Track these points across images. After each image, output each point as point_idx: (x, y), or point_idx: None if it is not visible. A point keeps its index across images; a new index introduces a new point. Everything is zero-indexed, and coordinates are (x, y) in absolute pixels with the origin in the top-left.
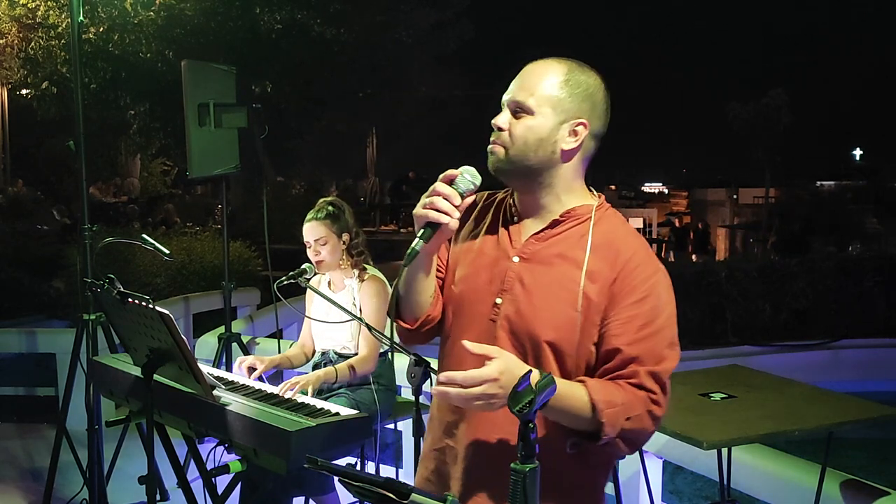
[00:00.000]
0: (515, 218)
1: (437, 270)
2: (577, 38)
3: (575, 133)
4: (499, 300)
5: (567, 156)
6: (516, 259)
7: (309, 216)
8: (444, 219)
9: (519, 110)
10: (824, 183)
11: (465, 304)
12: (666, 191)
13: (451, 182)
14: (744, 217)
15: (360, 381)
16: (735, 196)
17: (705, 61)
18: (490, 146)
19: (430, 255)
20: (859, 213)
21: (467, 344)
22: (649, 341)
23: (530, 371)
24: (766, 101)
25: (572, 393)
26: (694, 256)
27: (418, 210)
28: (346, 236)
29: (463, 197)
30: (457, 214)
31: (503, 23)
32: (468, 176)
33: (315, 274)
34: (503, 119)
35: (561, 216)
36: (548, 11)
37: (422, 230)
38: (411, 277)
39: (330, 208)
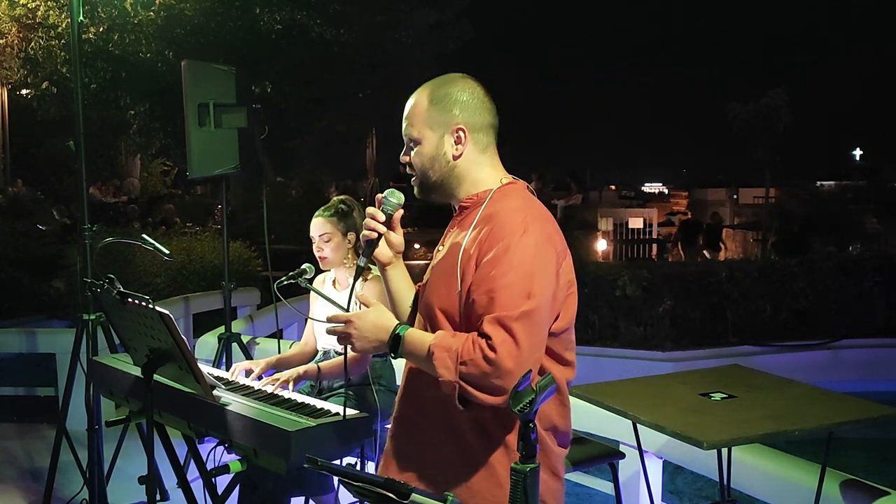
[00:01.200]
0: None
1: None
2: (578, 38)
3: (458, 139)
4: (422, 282)
5: (458, 157)
6: (441, 247)
7: (317, 212)
8: (372, 235)
9: (411, 143)
10: (824, 183)
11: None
12: (666, 191)
13: (380, 205)
14: (744, 217)
15: (359, 381)
16: (735, 196)
17: (705, 61)
18: (412, 180)
19: (386, 271)
20: (859, 213)
21: (363, 296)
22: (500, 292)
23: (529, 372)
24: (766, 101)
25: (423, 342)
26: (706, 252)
27: (362, 234)
28: (352, 235)
29: (389, 215)
30: (382, 229)
31: (503, 23)
32: (392, 199)
33: (314, 274)
34: (404, 156)
35: (464, 201)
36: (547, 11)
37: (363, 248)
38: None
39: (340, 206)
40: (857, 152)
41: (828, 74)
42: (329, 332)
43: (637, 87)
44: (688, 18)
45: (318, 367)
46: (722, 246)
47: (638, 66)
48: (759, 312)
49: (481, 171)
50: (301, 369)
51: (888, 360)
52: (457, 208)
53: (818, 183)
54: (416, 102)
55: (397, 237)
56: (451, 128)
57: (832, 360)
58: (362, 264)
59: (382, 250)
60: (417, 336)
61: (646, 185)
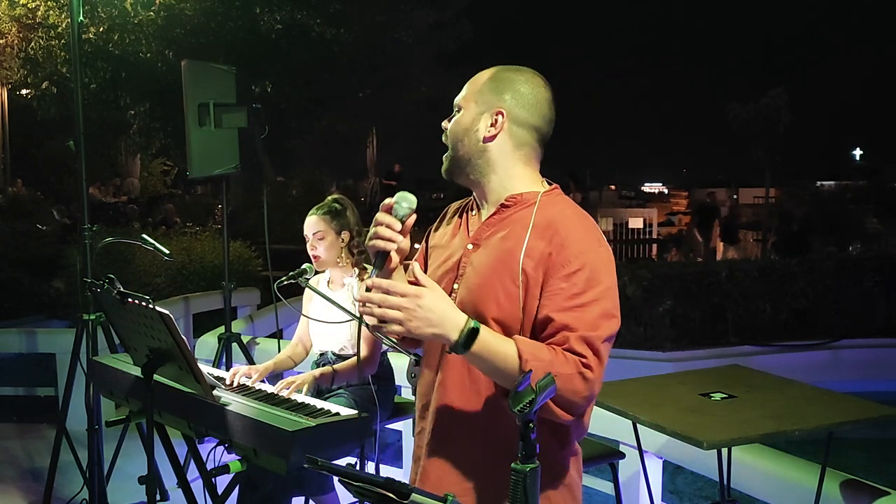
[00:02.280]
0: (474, 212)
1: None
2: (577, 38)
3: (495, 122)
4: (455, 286)
5: (489, 140)
6: (470, 246)
7: (311, 211)
8: (390, 246)
9: (455, 109)
10: (824, 183)
11: None
12: (666, 191)
13: (389, 210)
14: (744, 217)
15: (359, 381)
16: (735, 196)
17: (705, 61)
18: (444, 156)
19: (390, 276)
20: (859, 213)
21: (414, 266)
22: (581, 310)
23: (530, 372)
24: (766, 101)
25: (502, 345)
26: (720, 247)
27: (368, 241)
28: (345, 234)
29: (403, 221)
30: (399, 238)
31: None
32: (404, 203)
33: (315, 273)
34: (445, 122)
35: (507, 200)
36: (547, 12)
37: (374, 260)
38: None
39: (334, 205)
40: (857, 152)
41: (828, 74)
42: (367, 299)
43: (637, 87)
44: (688, 18)
45: (334, 370)
46: (740, 239)
47: (638, 66)
48: (759, 312)
49: (514, 166)
50: (316, 372)
51: (888, 360)
52: (483, 203)
53: (818, 183)
54: (479, 75)
55: (407, 243)
56: (493, 109)
57: (832, 360)
58: (374, 276)
59: (392, 259)
60: (494, 337)
61: (646, 185)
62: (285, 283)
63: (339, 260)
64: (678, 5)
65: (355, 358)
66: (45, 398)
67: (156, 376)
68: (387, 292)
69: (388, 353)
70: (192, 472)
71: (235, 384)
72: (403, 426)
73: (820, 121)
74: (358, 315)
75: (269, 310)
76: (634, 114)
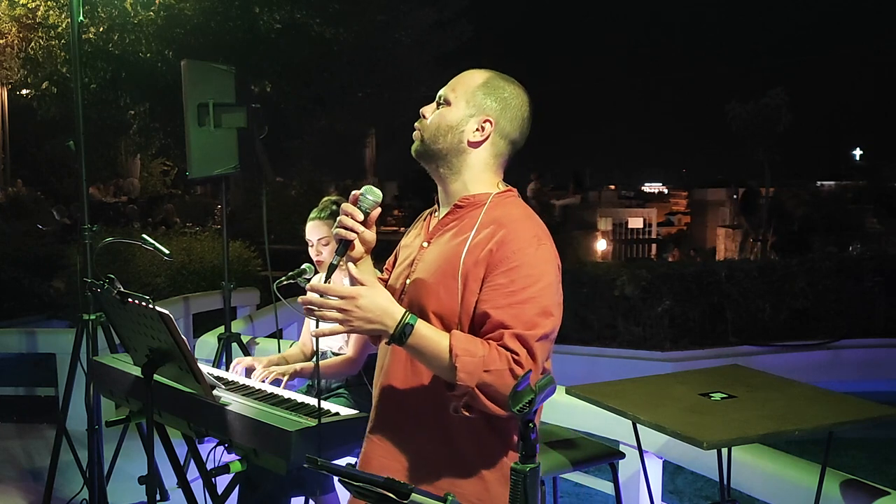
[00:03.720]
0: (436, 213)
1: (386, 272)
2: (577, 38)
3: (482, 128)
4: (407, 281)
5: (473, 146)
6: (425, 244)
7: (312, 215)
8: (351, 235)
9: (441, 102)
10: (824, 183)
11: (391, 291)
12: (666, 191)
13: (356, 202)
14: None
15: (357, 381)
16: (735, 196)
17: (705, 61)
18: (414, 134)
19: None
20: (859, 213)
21: (350, 267)
22: (517, 308)
23: (529, 371)
24: (766, 101)
25: (437, 339)
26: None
27: (333, 229)
28: None
29: (366, 214)
30: (360, 229)
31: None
32: (369, 196)
33: (315, 274)
34: (427, 108)
35: (460, 201)
36: (548, 12)
37: (337, 247)
38: None
39: (333, 207)
40: (857, 152)
41: (828, 74)
42: (307, 301)
43: (637, 86)
44: (688, 18)
45: (316, 366)
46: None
47: (638, 65)
48: (759, 312)
49: (483, 172)
50: (298, 366)
51: (888, 360)
52: (441, 204)
53: (818, 183)
54: (471, 74)
55: (371, 234)
56: (483, 115)
57: (832, 360)
58: (335, 262)
59: (355, 247)
60: (430, 331)
61: (646, 184)
62: (285, 283)
63: (342, 262)
64: (679, 5)
65: (338, 357)
66: (45, 398)
67: (156, 376)
68: (323, 295)
69: None
70: (192, 472)
71: (240, 372)
72: None
73: (820, 121)
74: None
75: (268, 310)
76: (635, 114)
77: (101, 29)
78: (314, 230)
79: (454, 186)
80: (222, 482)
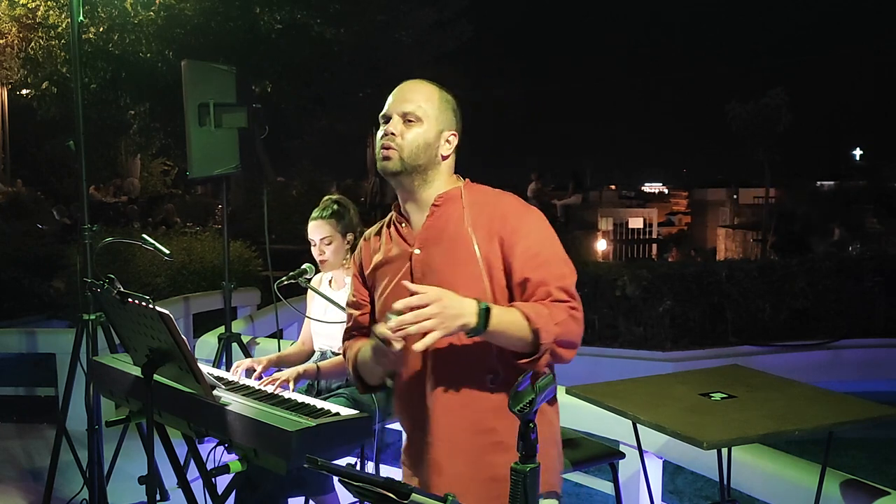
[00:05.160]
0: (403, 224)
1: (362, 301)
2: (577, 38)
3: (449, 142)
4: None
5: (444, 159)
6: (417, 251)
7: (314, 214)
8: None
9: (409, 119)
10: (824, 183)
11: (391, 309)
12: (666, 191)
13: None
14: (744, 217)
15: (345, 379)
16: (735, 196)
17: (705, 61)
18: (384, 152)
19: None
20: (859, 213)
21: (406, 284)
22: (546, 266)
23: (530, 373)
24: (766, 100)
25: (509, 313)
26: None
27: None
28: (350, 236)
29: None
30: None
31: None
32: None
33: (315, 273)
34: (396, 126)
35: (436, 200)
36: (547, 12)
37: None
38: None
39: (335, 206)
40: (857, 152)
41: (828, 74)
42: (401, 323)
43: (637, 86)
44: (688, 18)
45: (318, 367)
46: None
47: (638, 65)
48: (759, 312)
49: (448, 176)
50: (300, 368)
51: (888, 360)
52: (410, 210)
53: (818, 183)
54: (423, 87)
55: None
56: (450, 130)
57: (832, 360)
58: (390, 385)
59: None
60: (499, 309)
61: (646, 185)
62: (285, 283)
63: (344, 261)
64: (679, 5)
65: (340, 357)
66: (45, 398)
67: (156, 376)
68: (416, 308)
69: None
70: (192, 472)
71: (239, 376)
72: None
73: (820, 121)
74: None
75: (269, 310)
76: (635, 114)
77: (101, 29)
78: (316, 230)
79: (426, 194)
80: (222, 482)
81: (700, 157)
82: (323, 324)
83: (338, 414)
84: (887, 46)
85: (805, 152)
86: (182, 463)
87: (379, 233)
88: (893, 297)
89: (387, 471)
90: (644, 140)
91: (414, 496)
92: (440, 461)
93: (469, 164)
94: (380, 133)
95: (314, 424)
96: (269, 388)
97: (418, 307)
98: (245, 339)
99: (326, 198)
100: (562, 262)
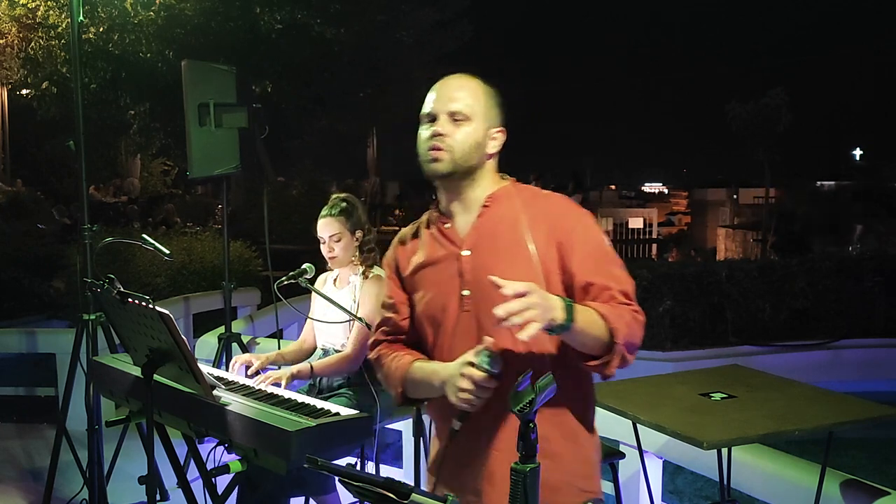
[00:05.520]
0: (447, 224)
1: (400, 305)
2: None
3: (495, 138)
4: (465, 292)
5: (491, 157)
6: (466, 252)
7: (323, 212)
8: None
9: (457, 119)
10: (824, 183)
11: (438, 312)
12: (666, 191)
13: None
14: (744, 217)
15: (360, 380)
16: (735, 196)
17: (705, 61)
18: (433, 154)
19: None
20: (859, 213)
21: (494, 279)
22: (607, 269)
23: (531, 372)
24: (766, 100)
25: (587, 311)
26: None
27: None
28: (359, 233)
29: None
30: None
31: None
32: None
33: (320, 273)
34: (445, 127)
35: (487, 201)
36: (547, 12)
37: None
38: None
39: (343, 204)
40: (857, 152)
41: (828, 75)
42: (510, 311)
43: (637, 86)
44: (688, 18)
45: (311, 366)
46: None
47: (638, 65)
48: (759, 312)
49: (494, 173)
50: (294, 368)
51: (888, 360)
52: (455, 211)
53: (818, 183)
54: (469, 83)
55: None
56: (496, 126)
57: (832, 360)
58: (457, 428)
59: None
60: (579, 305)
61: (646, 184)
62: (285, 283)
63: (353, 259)
64: (679, 5)
65: (335, 355)
66: (45, 398)
67: (156, 376)
68: (522, 295)
69: None
70: (192, 472)
71: (235, 372)
72: (403, 426)
73: (820, 121)
74: (356, 315)
75: (269, 310)
76: (635, 114)
77: (101, 29)
78: (325, 227)
79: (473, 194)
80: (222, 482)
81: (700, 157)
82: (325, 322)
83: (338, 414)
84: (887, 46)
85: (805, 152)
86: (182, 463)
87: (416, 234)
88: (893, 297)
89: (387, 471)
90: (644, 140)
91: (414, 496)
92: (493, 470)
93: None
94: (424, 133)
95: (314, 424)
96: (262, 386)
97: (527, 294)
98: (245, 339)
99: (335, 196)
100: (620, 266)
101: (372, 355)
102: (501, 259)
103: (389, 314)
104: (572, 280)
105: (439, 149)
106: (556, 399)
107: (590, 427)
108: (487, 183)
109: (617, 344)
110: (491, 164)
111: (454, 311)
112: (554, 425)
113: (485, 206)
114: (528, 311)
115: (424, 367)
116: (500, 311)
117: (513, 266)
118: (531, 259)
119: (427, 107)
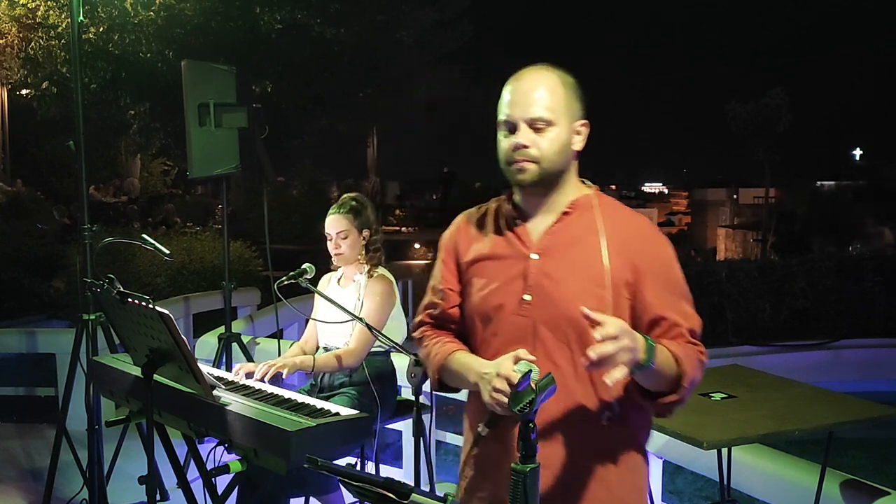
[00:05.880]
0: (518, 220)
1: (450, 292)
2: (577, 38)
3: (579, 132)
4: (527, 297)
5: (576, 155)
6: (535, 256)
7: (332, 210)
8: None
9: (540, 125)
10: (824, 183)
11: (492, 310)
12: (666, 191)
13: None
14: (744, 217)
15: (361, 379)
16: (735, 196)
17: (705, 61)
18: (518, 165)
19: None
20: (859, 213)
21: (586, 311)
22: (679, 304)
23: (530, 371)
24: (766, 100)
25: (663, 351)
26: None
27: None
28: (366, 232)
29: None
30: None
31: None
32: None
33: (315, 274)
34: (527, 137)
35: (568, 207)
36: (547, 12)
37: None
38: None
39: (353, 203)
40: (857, 152)
41: (828, 74)
42: (603, 355)
43: (637, 86)
44: (688, 18)
45: (314, 359)
46: None
47: (638, 65)
48: (759, 312)
49: (576, 176)
50: (297, 359)
51: (888, 360)
52: (533, 211)
53: (818, 183)
54: (545, 81)
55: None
56: (579, 120)
57: (832, 360)
58: (483, 433)
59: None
60: (656, 345)
61: (646, 184)
62: (285, 283)
63: (359, 257)
64: (679, 5)
65: (338, 350)
66: (45, 398)
67: (156, 376)
68: (614, 338)
69: (391, 353)
70: (192, 472)
71: (240, 378)
72: (403, 426)
73: (820, 121)
74: (358, 316)
75: (269, 310)
76: (635, 114)
77: (101, 29)
78: (333, 224)
79: (555, 199)
80: (222, 482)
81: (700, 157)
82: (326, 322)
83: (338, 414)
84: (887, 46)
85: (805, 152)
86: (182, 463)
87: (482, 220)
88: (893, 297)
89: (387, 471)
90: (644, 140)
91: (414, 496)
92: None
93: (470, 164)
94: (504, 143)
95: (314, 424)
96: (262, 370)
97: (618, 336)
98: (245, 339)
99: (345, 195)
100: (691, 303)
101: (416, 334)
102: (572, 270)
103: (437, 300)
104: (644, 308)
105: (523, 161)
106: (622, 426)
107: (645, 456)
108: (571, 188)
109: (683, 387)
110: (576, 165)
111: (510, 312)
112: (616, 453)
113: (565, 212)
114: (620, 354)
115: (463, 360)
116: (592, 353)
117: (582, 279)
118: (603, 275)
119: (503, 113)
